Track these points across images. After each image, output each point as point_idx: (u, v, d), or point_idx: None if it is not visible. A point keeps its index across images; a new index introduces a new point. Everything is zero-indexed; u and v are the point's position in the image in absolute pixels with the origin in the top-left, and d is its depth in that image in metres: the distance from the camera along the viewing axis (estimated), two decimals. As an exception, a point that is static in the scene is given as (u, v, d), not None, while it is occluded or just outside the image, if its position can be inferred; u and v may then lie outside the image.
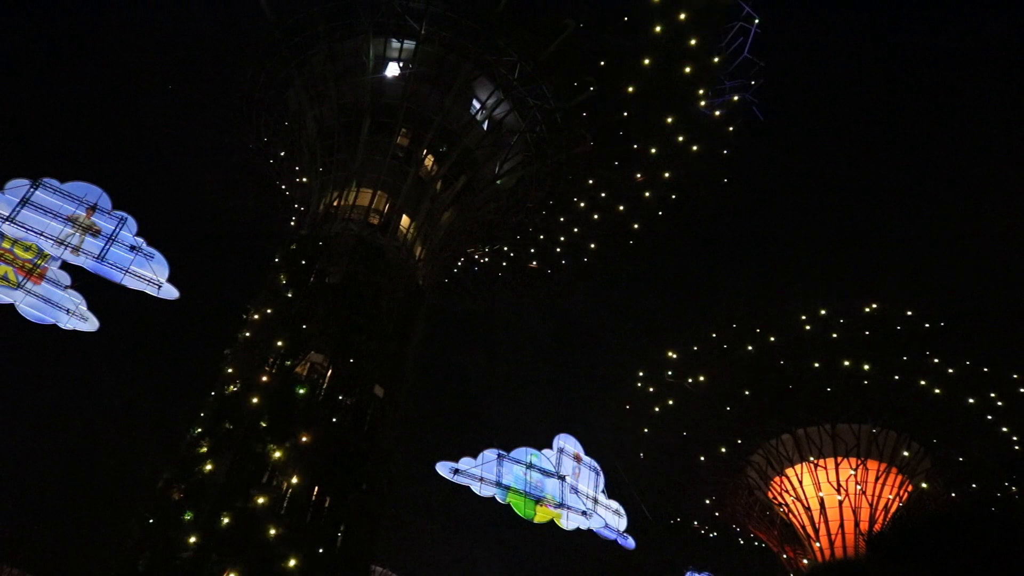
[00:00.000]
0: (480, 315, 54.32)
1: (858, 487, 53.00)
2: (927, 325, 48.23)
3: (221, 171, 46.78)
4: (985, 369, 47.54)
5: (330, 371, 31.27)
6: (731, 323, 52.01)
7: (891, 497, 53.45)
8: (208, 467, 27.11)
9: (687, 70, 37.59)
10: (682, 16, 35.50)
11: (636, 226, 46.36)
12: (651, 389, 55.37)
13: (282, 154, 42.19)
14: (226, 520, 25.69)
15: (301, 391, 29.93)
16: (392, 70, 37.78)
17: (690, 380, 52.88)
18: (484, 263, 48.25)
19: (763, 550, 62.44)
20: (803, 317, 50.04)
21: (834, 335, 49.31)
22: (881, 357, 48.69)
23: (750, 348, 50.67)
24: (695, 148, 41.57)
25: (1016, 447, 50.97)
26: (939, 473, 53.60)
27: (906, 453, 52.63)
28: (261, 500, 26.55)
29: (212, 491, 26.45)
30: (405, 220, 37.14)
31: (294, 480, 27.84)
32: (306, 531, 27.18)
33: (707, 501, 61.72)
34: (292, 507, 27.48)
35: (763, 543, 61.58)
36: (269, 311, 32.23)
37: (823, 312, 50.13)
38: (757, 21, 36.57)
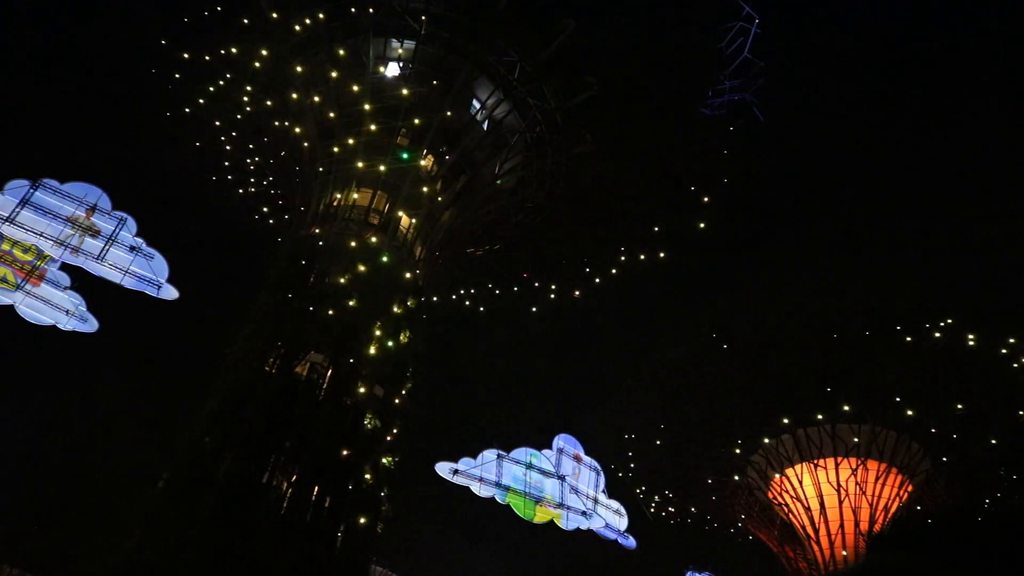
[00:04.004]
0: (480, 315, 54.25)
1: (858, 487, 52.98)
2: (927, 325, 48.21)
3: (221, 171, 46.81)
4: (985, 369, 47.50)
5: (330, 371, 31.29)
6: (730, 323, 51.99)
7: (891, 497, 53.42)
8: (208, 467, 27.12)
9: (686, 70, 37.64)
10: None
11: (636, 226, 46.37)
12: (651, 389, 55.35)
13: (282, 154, 42.22)
14: (226, 520, 25.69)
15: (301, 391, 29.94)
16: (392, 70, 37.79)
17: (689, 380, 52.84)
18: (484, 263, 48.25)
19: (763, 550, 62.43)
20: (803, 317, 50.02)
21: (834, 335, 49.31)
22: (881, 357, 48.67)
23: (749, 348, 50.64)
24: (695, 148, 41.58)
25: (1016, 447, 50.95)
26: (939, 473, 53.58)
27: (906, 453, 52.62)
28: (261, 500, 26.56)
29: (212, 491, 26.46)
30: (405, 220, 37.15)
31: (294, 480, 27.86)
32: (306, 531, 27.19)
33: (707, 501, 61.71)
34: (292, 507, 27.50)
35: (763, 543, 61.58)
36: (269, 311, 32.24)
37: (822, 312, 50.16)
38: (757, 21, 36.61)
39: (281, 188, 45.56)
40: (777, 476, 55.75)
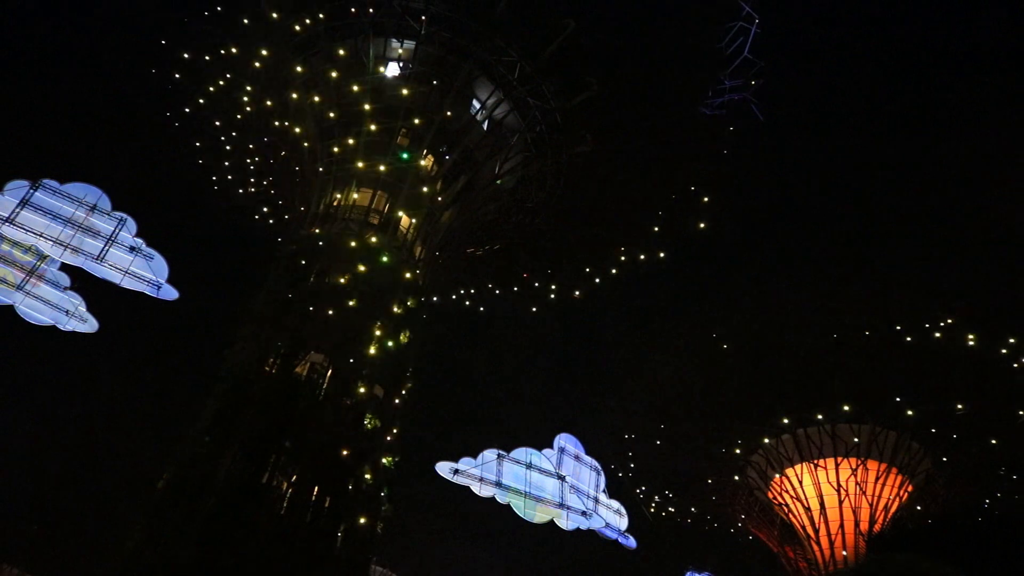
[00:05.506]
0: (480, 315, 54.26)
1: (858, 487, 52.97)
2: (927, 325, 48.22)
3: (221, 171, 46.80)
4: (985, 369, 47.51)
5: (330, 371, 31.29)
6: (731, 323, 51.99)
7: (891, 497, 53.42)
8: (208, 467, 27.11)
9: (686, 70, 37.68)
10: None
11: (636, 226, 46.37)
12: (651, 389, 55.35)
13: (282, 154, 42.21)
14: (226, 520, 25.69)
15: (301, 391, 29.93)
16: (392, 70, 37.79)
17: (690, 380, 52.83)
18: (484, 263, 48.25)
19: (763, 550, 62.45)
20: (803, 316, 50.03)
21: (834, 335, 49.31)
22: (881, 357, 48.66)
23: (750, 348, 50.65)
24: (695, 148, 41.60)
25: (1016, 447, 50.95)
26: (939, 473, 53.57)
27: (906, 453, 52.62)
28: (261, 500, 26.56)
29: (212, 491, 26.46)
30: (405, 220, 37.16)
31: (294, 480, 27.85)
32: (306, 531, 27.20)
33: (707, 501, 61.73)
34: (292, 507, 27.50)
35: (763, 543, 61.59)
36: (269, 311, 32.23)
37: (822, 312, 50.18)
38: (757, 21, 36.62)
39: (281, 188, 45.55)
40: (777, 476, 55.75)
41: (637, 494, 61.00)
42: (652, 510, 62.43)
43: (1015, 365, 47.48)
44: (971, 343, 47.12)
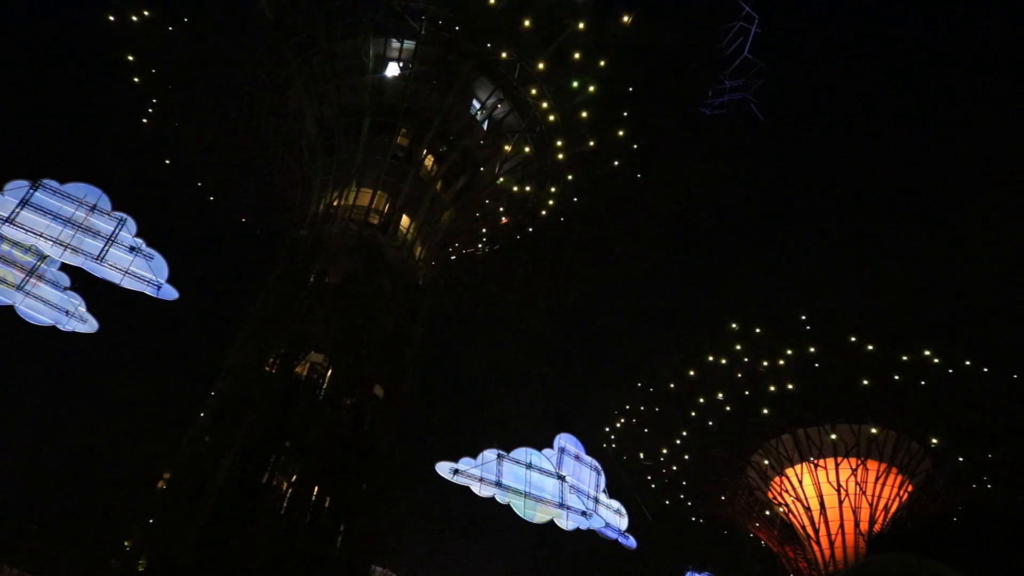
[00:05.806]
0: (480, 315, 54.27)
1: (858, 487, 52.98)
2: (927, 325, 48.25)
3: (221, 171, 46.78)
4: (985, 369, 47.50)
5: (330, 371, 31.29)
6: (730, 323, 51.97)
7: (891, 497, 53.43)
8: (208, 467, 27.13)
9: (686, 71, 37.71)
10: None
11: (637, 226, 46.38)
12: (651, 389, 55.35)
13: (282, 154, 42.20)
14: (226, 520, 25.70)
15: (301, 391, 29.94)
16: (392, 70, 37.79)
17: (690, 380, 52.81)
18: (484, 263, 48.24)
19: (763, 550, 62.45)
20: (803, 317, 50.05)
21: (835, 335, 49.30)
22: (881, 357, 48.65)
23: (750, 348, 50.64)
24: (695, 148, 41.61)
25: (1016, 447, 50.93)
26: (939, 473, 53.57)
27: (906, 453, 52.62)
28: (261, 500, 26.56)
29: (212, 491, 26.47)
30: (405, 220, 37.15)
31: (294, 480, 27.85)
32: (306, 531, 27.21)
33: (707, 501, 61.73)
34: (292, 507, 27.51)
35: (763, 543, 61.59)
36: (269, 311, 32.24)
37: (823, 312, 50.21)
38: (757, 21, 36.63)
39: (281, 188, 45.54)
40: (777, 476, 55.76)
41: (637, 494, 60.98)
42: (652, 510, 62.42)
43: (1014, 364, 47.47)
44: (971, 342, 47.13)
